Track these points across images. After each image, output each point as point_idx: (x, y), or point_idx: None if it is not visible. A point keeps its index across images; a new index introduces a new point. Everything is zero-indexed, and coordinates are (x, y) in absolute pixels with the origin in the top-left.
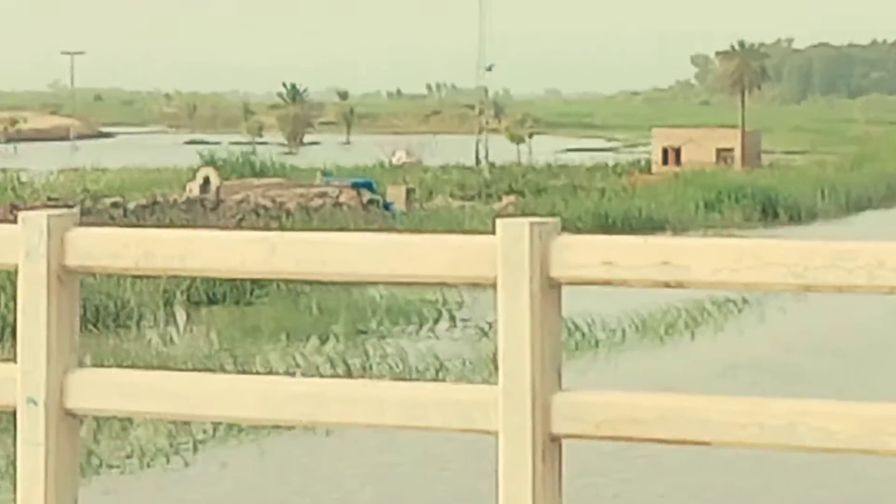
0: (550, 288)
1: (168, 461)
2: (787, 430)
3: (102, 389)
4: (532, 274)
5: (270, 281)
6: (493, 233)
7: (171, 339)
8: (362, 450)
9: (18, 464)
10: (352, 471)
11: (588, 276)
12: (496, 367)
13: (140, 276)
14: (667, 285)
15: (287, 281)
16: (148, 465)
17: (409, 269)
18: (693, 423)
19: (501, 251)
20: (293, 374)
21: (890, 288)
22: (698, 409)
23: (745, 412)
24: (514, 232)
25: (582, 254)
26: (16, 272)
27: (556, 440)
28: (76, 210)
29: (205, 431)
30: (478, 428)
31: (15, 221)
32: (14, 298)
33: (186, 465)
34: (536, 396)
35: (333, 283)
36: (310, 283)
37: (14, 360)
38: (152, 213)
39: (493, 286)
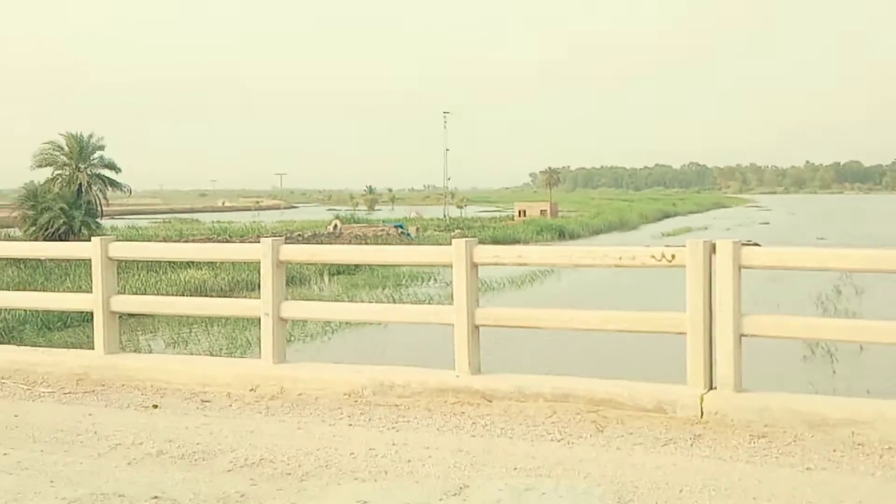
0: (473, 267)
1: (322, 338)
2: (569, 321)
3: (296, 309)
4: (466, 261)
5: (363, 265)
6: (451, 244)
7: (323, 289)
8: (401, 333)
9: (262, 340)
10: (394, 344)
11: (488, 262)
12: (453, 299)
13: (310, 263)
14: (521, 265)
15: (368, 265)
16: (312, 339)
17: (418, 259)
18: (534, 320)
19: (454, 251)
20: (371, 302)
21: (608, 265)
22: (536, 314)
23: (553, 315)
24: (458, 243)
25: (485, 252)
26: (259, 263)
27: (477, 328)
28: (283, 238)
29: (336, 326)
30: (446, 322)
31: (258, 242)
32: (258, 273)
33: (329, 338)
34: (469, 309)
35: (387, 266)
36: (378, 266)
37: (259, 298)
38: (313, 239)
39: (451, 266)
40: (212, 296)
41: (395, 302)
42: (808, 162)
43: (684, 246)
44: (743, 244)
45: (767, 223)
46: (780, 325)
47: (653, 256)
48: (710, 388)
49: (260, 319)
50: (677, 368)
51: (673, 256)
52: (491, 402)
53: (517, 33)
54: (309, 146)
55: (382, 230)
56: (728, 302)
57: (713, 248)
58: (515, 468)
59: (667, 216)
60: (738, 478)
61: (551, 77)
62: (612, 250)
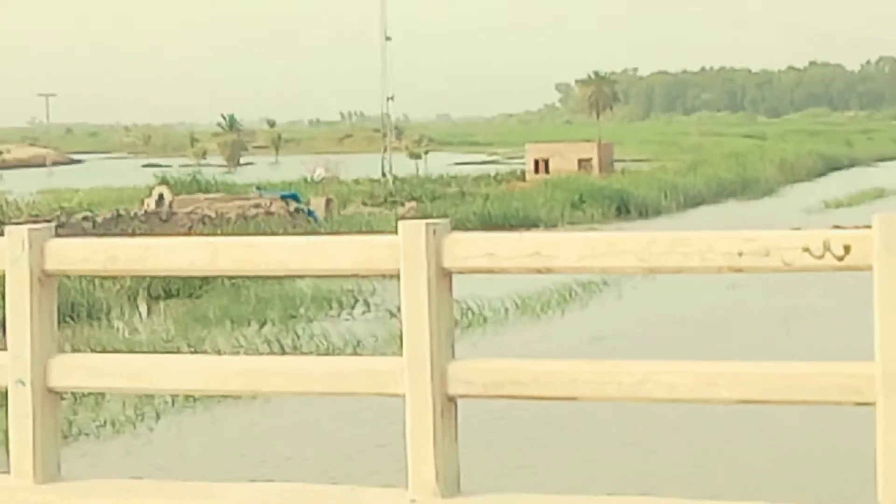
0: (444, 276)
1: (135, 428)
2: (639, 387)
3: (79, 371)
4: (428, 265)
5: (216, 277)
6: (397, 232)
7: (136, 328)
8: (296, 413)
9: (11, 434)
10: (288, 432)
11: (474, 266)
12: (402, 343)
13: (107, 277)
14: (538, 271)
15: (229, 277)
16: (118, 432)
17: (327, 264)
18: (562, 383)
19: (403, 247)
20: (237, 353)
21: (718, 268)
22: (566, 371)
23: (605, 372)
24: (412, 231)
25: (469, 247)
26: (2, 277)
27: (452, 400)
28: (53, 224)
29: (165, 402)
30: (389, 392)
31: (1, 235)
32: (2, 298)
33: (151, 430)
34: (435, 365)
35: (269, 277)
36: (248, 278)
37: (4, 349)
38: (116, 225)
39: (397, 277)
40: None
41: (284, 351)
42: None
43: (869, 227)
44: None
45: None
46: None
47: (806, 249)
48: None
49: (7, 393)
50: (857, 474)
51: (847, 249)
52: None
53: None
54: (101, 42)
55: (258, 205)
56: None
57: None
58: None
59: (835, 168)
60: None
61: None
62: (727, 238)
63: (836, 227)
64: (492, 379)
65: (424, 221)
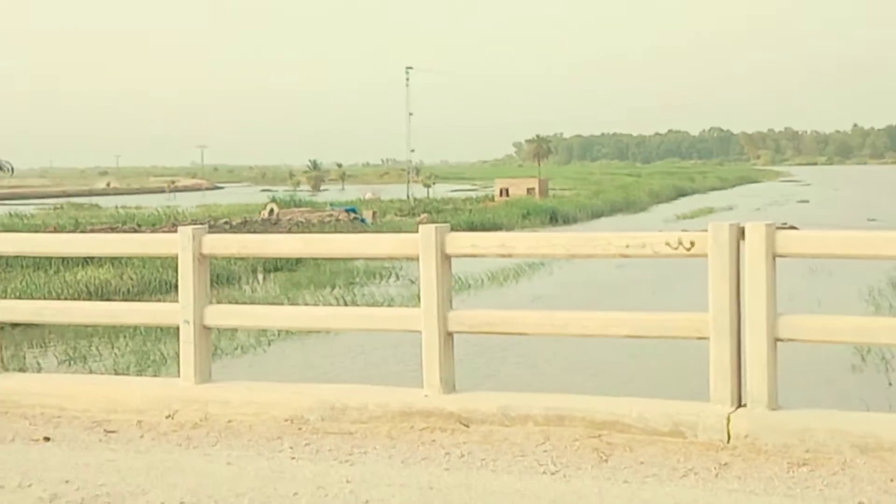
0: (445, 259)
1: (255, 351)
2: (565, 327)
3: (222, 315)
4: (436, 252)
5: (306, 259)
6: (417, 231)
7: (255, 290)
8: (355, 344)
9: (181, 353)
10: (348, 354)
11: (464, 253)
12: (420, 300)
13: (239, 258)
14: (503, 256)
15: (314, 259)
16: (244, 353)
17: (374, 250)
18: (517, 324)
19: (421, 241)
20: (318, 305)
21: (613, 255)
22: (520, 317)
23: (543, 318)
24: (427, 231)
25: (460, 241)
26: (176, 257)
27: (450, 334)
28: (206, 226)
29: (273, 335)
30: (412, 329)
31: (175, 232)
32: (174, 272)
33: (265, 352)
34: (440, 313)
35: (338, 259)
36: (325, 259)
37: (177, 302)
38: (244, 227)
39: (417, 259)
40: (117, 300)
41: (347, 304)
42: (856, 125)
43: (706, 230)
44: (778, 227)
45: (807, 201)
46: (824, 327)
47: (667, 244)
48: (739, 406)
49: (178, 328)
50: (697, 382)
51: (692, 244)
52: (468, 427)
53: None
54: (237, 111)
55: (330, 215)
56: (760, 299)
57: (741, 233)
58: None
59: (683, 194)
60: None
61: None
62: (617, 237)
63: (685, 230)
64: (474, 322)
65: (434, 225)
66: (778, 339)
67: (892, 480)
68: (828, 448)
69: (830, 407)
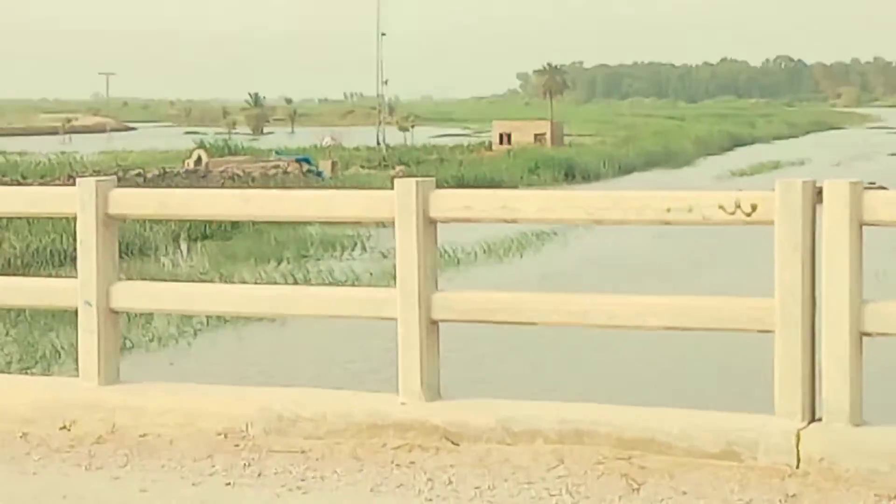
0: (429, 224)
1: (177, 343)
2: (584, 315)
3: (135, 295)
4: (417, 215)
5: (244, 222)
6: (391, 188)
7: (178, 264)
8: (308, 335)
9: (80, 345)
10: (298, 348)
11: (454, 216)
12: (394, 278)
13: (158, 221)
14: (506, 221)
15: (254, 223)
16: (163, 346)
17: (337, 213)
18: (524, 310)
19: (397, 200)
20: (260, 285)
21: (650, 221)
22: (528, 301)
23: (558, 303)
24: (405, 187)
25: (450, 201)
26: (74, 219)
27: (434, 323)
28: (113, 178)
29: (200, 323)
30: (384, 316)
31: (72, 186)
32: (71, 238)
33: (189, 345)
34: (422, 294)
35: (286, 223)
36: (270, 224)
37: (75, 277)
38: (163, 181)
39: (392, 224)
40: None
41: (298, 283)
42: None
43: (772, 190)
44: (865, 187)
45: None
46: None
47: (721, 207)
48: (812, 420)
49: (77, 312)
50: (758, 389)
51: (753, 207)
52: (458, 444)
53: None
54: (152, 31)
55: (277, 166)
56: (842, 280)
57: (818, 194)
58: None
59: (740, 144)
60: None
61: None
62: (656, 197)
63: (741, 190)
64: (467, 307)
65: (414, 180)
66: (864, 334)
67: None
68: None
69: None
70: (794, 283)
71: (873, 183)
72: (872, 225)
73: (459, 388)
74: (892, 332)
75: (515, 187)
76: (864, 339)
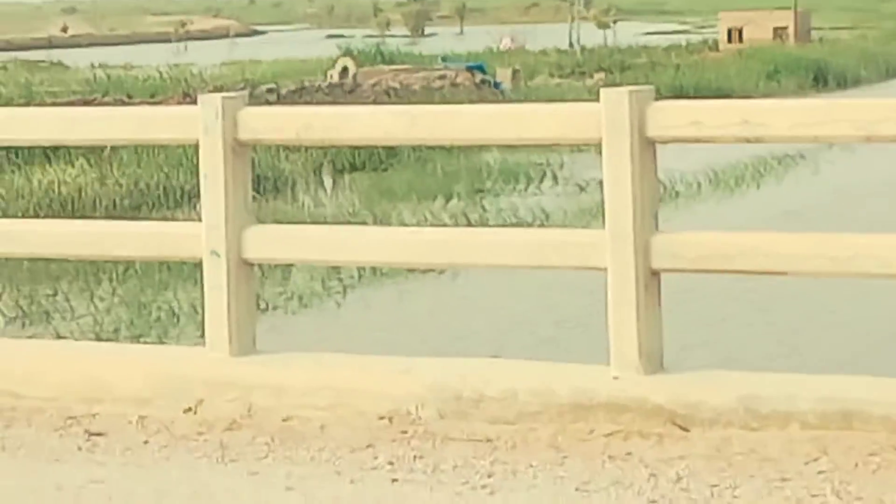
0: (647, 146)
1: (322, 302)
2: (851, 261)
3: (272, 242)
4: (631, 134)
5: (406, 148)
6: (596, 101)
7: (321, 202)
8: (487, 290)
9: (206, 306)
10: (477, 306)
11: (679, 135)
12: (601, 216)
13: (298, 148)
14: (747, 140)
15: (425, 147)
16: (306, 306)
17: (528, 133)
18: (771, 256)
19: (605, 116)
20: (426, 227)
21: None
22: (775, 243)
23: (815, 246)
24: (615, 99)
25: (673, 116)
26: (195, 147)
27: (655, 274)
28: (243, 94)
29: (351, 276)
30: (591, 265)
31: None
32: (191, 171)
33: (338, 305)
34: (637, 238)
35: (457, 149)
36: (436, 149)
37: (197, 220)
38: (300, 97)
39: (598, 146)
40: (97, 217)
41: (473, 226)
42: None
43: None
44: None
45: None
46: None
47: None
48: None
49: (201, 264)
50: None
51: None
52: (688, 430)
53: None
54: None
55: (443, 76)
56: None
57: None
58: None
59: None
60: None
61: None
62: None
63: None
64: (698, 252)
65: (627, 89)
66: None
67: None
68: None
69: None
70: None
71: None
72: None
73: (684, 358)
74: None
75: (749, 97)
76: None
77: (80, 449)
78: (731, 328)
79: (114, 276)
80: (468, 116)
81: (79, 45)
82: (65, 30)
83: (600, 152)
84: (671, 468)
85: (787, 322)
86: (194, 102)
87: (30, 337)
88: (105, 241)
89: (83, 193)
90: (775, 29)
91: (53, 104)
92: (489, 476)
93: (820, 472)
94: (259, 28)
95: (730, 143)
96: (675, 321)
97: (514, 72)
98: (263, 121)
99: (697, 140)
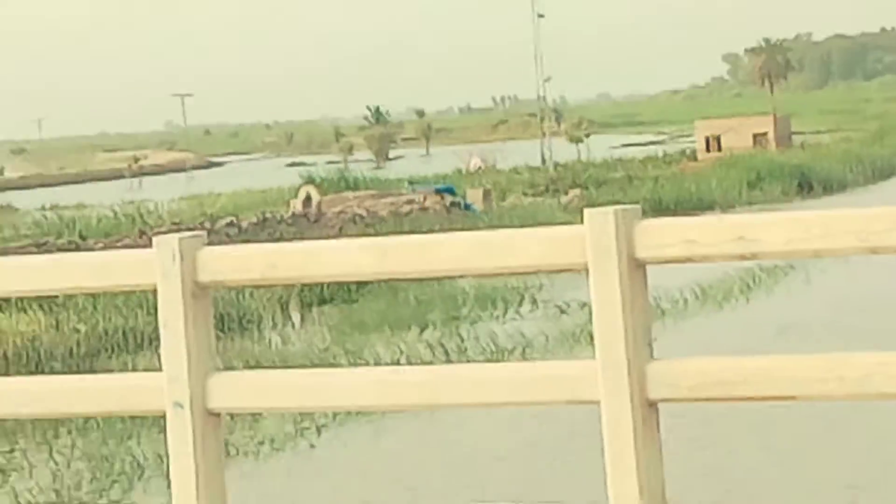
0: (637, 268)
1: (296, 445)
2: (866, 381)
3: (239, 390)
4: (619, 257)
5: (374, 282)
6: (565, 223)
7: (289, 338)
8: (466, 426)
9: (172, 462)
10: (458, 446)
11: (671, 255)
12: (584, 339)
13: (265, 286)
14: (742, 258)
15: (398, 280)
16: (277, 451)
17: (508, 261)
18: (777, 381)
19: (590, 238)
20: (398, 362)
21: None
22: (780, 367)
23: (824, 367)
24: (600, 220)
25: (664, 235)
26: (153, 293)
27: (652, 405)
28: (202, 234)
29: (325, 416)
30: (582, 399)
31: (146, 246)
32: (151, 312)
33: (312, 447)
34: (632, 367)
35: (437, 279)
36: (408, 281)
37: (159, 370)
38: (263, 230)
39: (585, 270)
40: (54, 364)
41: (450, 354)
42: None
43: None
44: None
45: None
46: None
47: None
48: None
49: (165, 416)
50: None
51: None
52: None
53: None
54: (240, 50)
55: (411, 201)
56: None
57: None
58: None
59: None
60: None
61: None
62: None
63: None
64: (698, 380)
65: (612, 208)
66: None
67: None
68: None
69: None
70: None
71: None
72: None
73: (686, 488)
74: None
75: (732, 209)
76: None
77: None
78: (732, 454)
79: (73, 428)
80: (443, 247)
81: (28, 187)
82: (1, 171)
83: (586, 276)
84: None
85: (789, 445)
86: (150, 242)
87: None
88: (61, 398)
89: (38, 342)
90: (755, 135)
91: (4, 251)
92: None
93: None
94: (216, 160)
95: (724, 261)
96: (672, 448)
97: (486, 192)
98: (225, 262)
99: (690, 259)
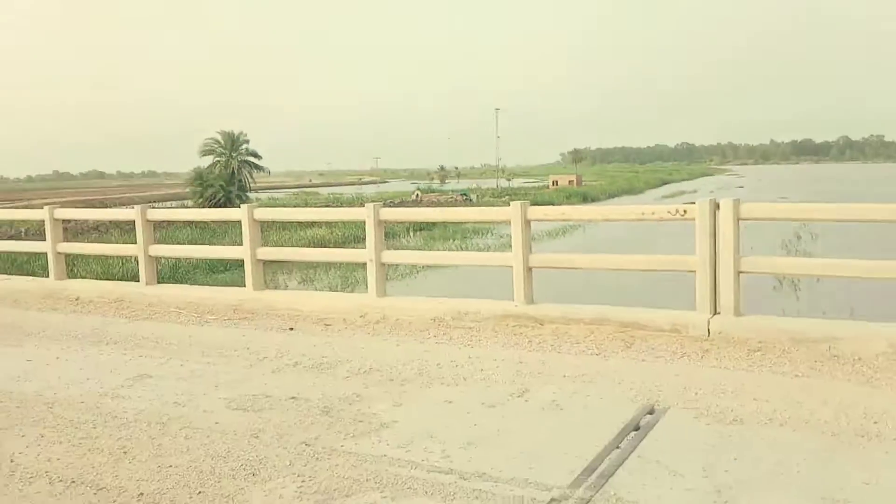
0: (527, 223)
1: (411, 277)
2: (593, 262)
3: (392, 256)
4: (521, 218)
5: (438, 223)
6: (510, 206)
7: (408, 241)
8: (470, 274)
9: (368, 278)
10: (464, 281)
11: (539, 218)
12: (511, 247)
13: (400, 223)
14: (562, 221)
15: (443, 223)
16: (402, 278)
17: (482, 217)
18: (585, 262)
19: (512, 211)
20: (445, 251)
21: (634, 219)
22: (586, 259)
23: (590, 260)
24: (516, 205)
25: (537, 211)
26: (363, 223)
27: (530, 269)
28: (381, 203)
29: (421, 268)
30: (506, 264)
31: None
32: (364, 230)
33: (415, 278)
34: (524, 255)
35: (458, 223)
36: (450, 223)
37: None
38: (401, 205)
39: (509, 223)
40: (330, 247)
41: (463, 250)
42: (771, 140)
43: (694, 203)
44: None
45: (742, 187)
46: (771, 264)
47: (669, 212)
48: (715, 314)
49: (366, 264)
50: (688, 299)
51: (685, 211)
52: (542, 325)
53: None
54: (399, 136)
55: (451, 197)
56: (729, 246)
57: (717, 205)
58: (564, 376)
59: (665, 183)
60: (740, 383)
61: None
62: (637, 207)
63: (671, 204)
64: (545, 261)
65: (520, 201)
66: (740, 272)
67: (815, 361)
68: (773, 340)
69: (769, 314)
70: (705, 248)
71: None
72: (745, 220)
73: (543, 297)
74: (756, 272)
75: (560, 206)
76: (741, 275)
77: (322, 331)
78: (565, 288)
79: (336, 268)
80: (461, 211)
81: (324, 186)
82: (310, 181)
83: (509, 226)
84: (536, 338)
85: (582, 285)
86: (364, 206)
87: (305, 289)
88: (330, 255)
89: (325, 238)
90: (570, 181)
91: (315, 206)
92: (470, 341)
93: (591, 341)
94: (387, 180)
95: (555, 222)
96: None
97: (476, 196)
98: (388, 213)
99: (545, 220)
